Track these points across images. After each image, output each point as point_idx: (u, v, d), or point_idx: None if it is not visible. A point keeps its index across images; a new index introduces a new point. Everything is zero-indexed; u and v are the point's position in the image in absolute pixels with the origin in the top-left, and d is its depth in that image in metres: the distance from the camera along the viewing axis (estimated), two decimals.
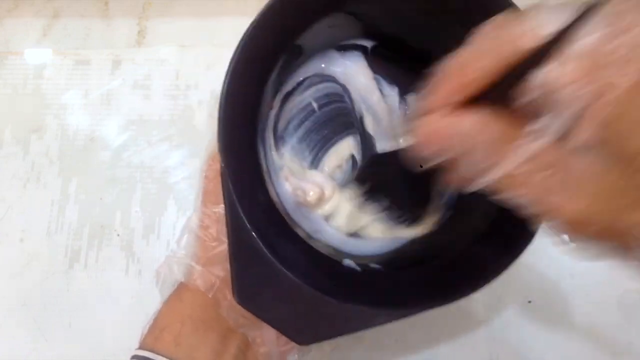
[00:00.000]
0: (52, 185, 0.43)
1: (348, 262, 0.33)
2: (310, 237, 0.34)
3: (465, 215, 0.34)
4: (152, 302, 0.40)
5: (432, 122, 0.20)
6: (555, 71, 0.17)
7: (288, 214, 0.34)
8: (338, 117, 0.37)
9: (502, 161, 0.19)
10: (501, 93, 0.19)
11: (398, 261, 0.34)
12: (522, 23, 0.18)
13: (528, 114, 0.18)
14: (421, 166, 0.23)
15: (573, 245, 0.19)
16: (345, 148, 0.37)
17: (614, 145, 0.17)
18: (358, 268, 0.33)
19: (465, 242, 0.32)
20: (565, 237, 0.19)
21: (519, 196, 0.19)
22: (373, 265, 0.34)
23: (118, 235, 0.42)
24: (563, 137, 0.17)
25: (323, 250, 0.34)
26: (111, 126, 0.44)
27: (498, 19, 0.19)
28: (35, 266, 0.41)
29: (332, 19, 0.32)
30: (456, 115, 0.20)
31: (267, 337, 0.31)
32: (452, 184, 0.22)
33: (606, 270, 0.41)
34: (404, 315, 0.28)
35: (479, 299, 0.41)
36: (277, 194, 0.34)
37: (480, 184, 0.20)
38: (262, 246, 0.27)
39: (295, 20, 0.31)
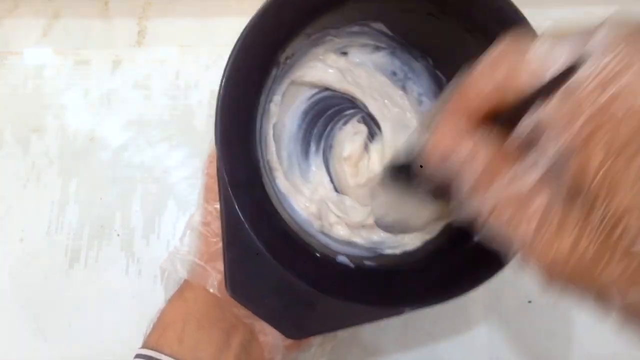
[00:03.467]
0: (52, 185, 0.43)
1: (342, 258, 0.33)
2: (305, 232, 0.34)
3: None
4: (152, 301, 0.40)
5: (438, 139, 0.21)
6: (545, 111, 0.17)
7: (284, 209, 0.34)
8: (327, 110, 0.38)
9: (483, 191, 0.19)
10: (507, 120, 0.19)
11: (391, 259, 0.34)
12: (527, 59, 0.18)
13: (524, 148, 0.18)
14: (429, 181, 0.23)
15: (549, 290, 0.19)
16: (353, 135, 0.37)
17: (599, 199, 0.16)
18: (352, 265, 0.33)
19: (459, 247, 0.32)
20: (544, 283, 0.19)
21: (497, 229, 0.19)
22: (367, 262, 0.34)
23: (118, 235, 0.42)
24: (550, 179, 0.17)
25: (317, 246, 0.34)
26: (111, 126, 0.44)
27: (504, 46, 0.19)
28: (35, 266, 0.41)
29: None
30: (459, 136, 0.20)
31: (271, 329, 0.31)
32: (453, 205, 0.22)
33: None
34: (397, 313, 0.28)
35: (478, 299, 0.41)
36: (273, 189, 0.34)
37: (466, 209, 0.20)
38: (256, 239, 0.27)
39: (290, 23, 0.31)
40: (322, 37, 0.35)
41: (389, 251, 0.35)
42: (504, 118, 0.19)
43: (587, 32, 0.17)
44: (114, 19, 0.47)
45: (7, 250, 0.41)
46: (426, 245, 0.34)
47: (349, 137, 0.37)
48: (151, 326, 0.32)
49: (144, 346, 0.31)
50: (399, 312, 0.28)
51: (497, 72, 0.19)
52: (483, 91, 0.19)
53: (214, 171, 0.33)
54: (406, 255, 0.34)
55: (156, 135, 0.44)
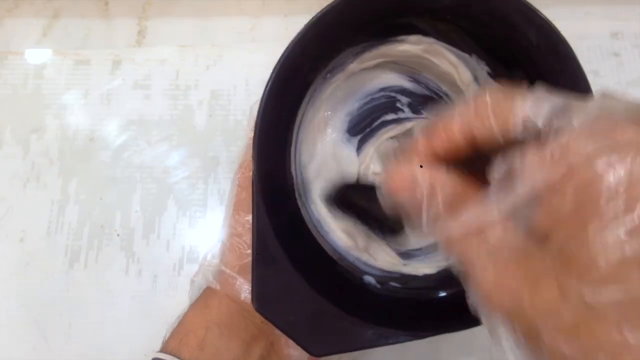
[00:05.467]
0: (52, 185, 0.43)
1: (368, 278, 0.33)
2: (334, 251, 0.34)
3: None
4: (152, 301, 0.40)
5: (401, 172, 0.21)
6: (528, 157, 0.17)
7: (314, 227, 0.34)
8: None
9: (443, 221, 0.19)
10: (476, 162, 0.19)
11: (417, 280, 0.34)
12: (511, 108, 0.18)
13: (490, 186, 0.18)
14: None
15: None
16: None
17: (558, 245, 0.16)
18: (378, 285, 0.33)
19: None
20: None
21: (453, 256, 0.19)
22: (393, 283, 0.34)
23: (118, 235, 0.42)
24: (514, 219, 0.17)
25: (343, 263, 0.33)
26: (111, 126, 0.44)
27: (490, 94, 0.19)
28: (35, 266, 0.41)
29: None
30: (424, 169, 0.20)
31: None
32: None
33: None
34: (421, 337, 0.28)
35: None
36: (305, 206, 0.34)
37: (428, 234, 0.20)
38: (286, 257, 0.28)
39: (328, 46, 0.31)
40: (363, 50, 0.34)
41: (406, 270, 0.34)
42: (465, 159, 0.20)
43: (571, 103, 0.17)
44: (114, 19, 0.47)
45: (7, 250, 0.41)
46: (444, 271, 0.34)
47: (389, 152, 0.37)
48: (170, 331, 0.32)
49: (163, 350, 0.30)
50: (424, 336, 0.28)
51: (475, 114, 0.19)
52: (456, 130, 0.20)
53: (244, 182, 0.33)
54: (429, 277, 0.34)
55: (156, 135, 0.44)
